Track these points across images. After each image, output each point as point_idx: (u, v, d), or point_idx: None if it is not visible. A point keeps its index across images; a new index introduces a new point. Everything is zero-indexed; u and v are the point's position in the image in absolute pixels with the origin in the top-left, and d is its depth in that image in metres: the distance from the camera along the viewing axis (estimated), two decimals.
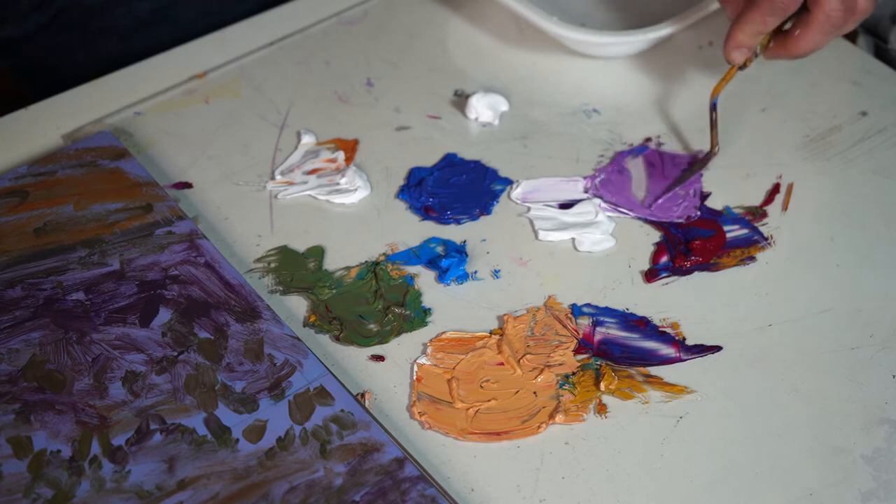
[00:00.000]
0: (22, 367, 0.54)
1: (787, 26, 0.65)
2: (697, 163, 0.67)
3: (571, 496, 0.52)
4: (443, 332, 0.58)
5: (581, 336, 0.58)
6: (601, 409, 0.55)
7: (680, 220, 0.64)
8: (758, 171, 0.67)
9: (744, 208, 0.65)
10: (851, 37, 0.77)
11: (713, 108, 0.67)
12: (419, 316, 0.59)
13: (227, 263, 0.60)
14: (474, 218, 0.65)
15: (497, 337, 0.58)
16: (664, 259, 0.62)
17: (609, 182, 0.66)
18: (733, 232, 0.63)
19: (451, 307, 0.60)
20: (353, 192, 0.66)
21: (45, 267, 0.59)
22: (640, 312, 0.59)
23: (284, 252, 0.63)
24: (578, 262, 0.62)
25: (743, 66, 0.67)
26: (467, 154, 0.69)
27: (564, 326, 0.59)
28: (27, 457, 0.51)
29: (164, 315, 0.57)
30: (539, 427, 0.54)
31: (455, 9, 0.79)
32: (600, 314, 0.59)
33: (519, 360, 0.57)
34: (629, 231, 0.64)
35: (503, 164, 0.68)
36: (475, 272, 0.62)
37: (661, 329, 0.58)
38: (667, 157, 0.68)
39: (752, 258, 0.62)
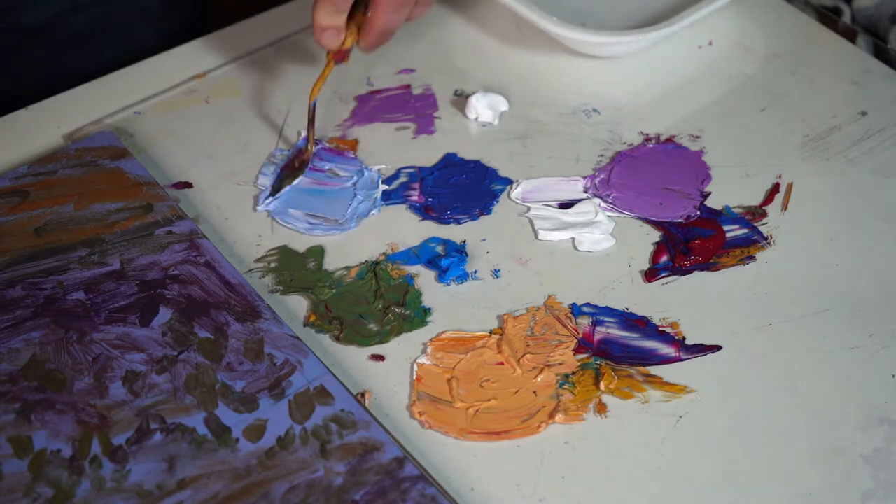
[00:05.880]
0: (22, 366, 0.54)
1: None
2: (293, 166, 0.67)
3: (571, 496, 0.52)
4: (443, 332, 0.58)
5: (581, 336, 0.58)
6: (601, 408, 0.55)
7: (680, 220, 0.64)
8: (757, 170, 0.67)
9: (743, 208, 0.65)
10: (851, 37, 0.77)
11: (312, 108, 0.66)
12: (419, 316, 0.59)
13: (227, 263, 0.60)
14: (474, 218, 0.65)
15: (497, 337, 0.58)
16: (664, 259, 0.62)
17: (620, 179, 0.66)
18: (733, 231, 0.63)
19: (451, 307, 0.60)
20: None
21: (46, 266, 0.59)
22: (639, 312, 0.59)
23: (284, 252, 0.63)
24: (578, 261, 0.62)
25: (341, 60, 0.66)
26: (467, 154, 0.69)
27: (564, 326, 0.59)
28: (27, 456, 0.51)
29: (164, 315, 0.57)
30: (539, 426, 0.54)
31: (455, 9, 0.79)
32: (600, 314, 0.59)
33: (519, 360, 0.57)
34: (629, 231, 0.64)
35: (503, 163, 0.68)
36: (475, 272, 0.62)
37: (660, 329, 0.58)
38: (671, 152, 0.68)
39: (752, 258, 0.62)
